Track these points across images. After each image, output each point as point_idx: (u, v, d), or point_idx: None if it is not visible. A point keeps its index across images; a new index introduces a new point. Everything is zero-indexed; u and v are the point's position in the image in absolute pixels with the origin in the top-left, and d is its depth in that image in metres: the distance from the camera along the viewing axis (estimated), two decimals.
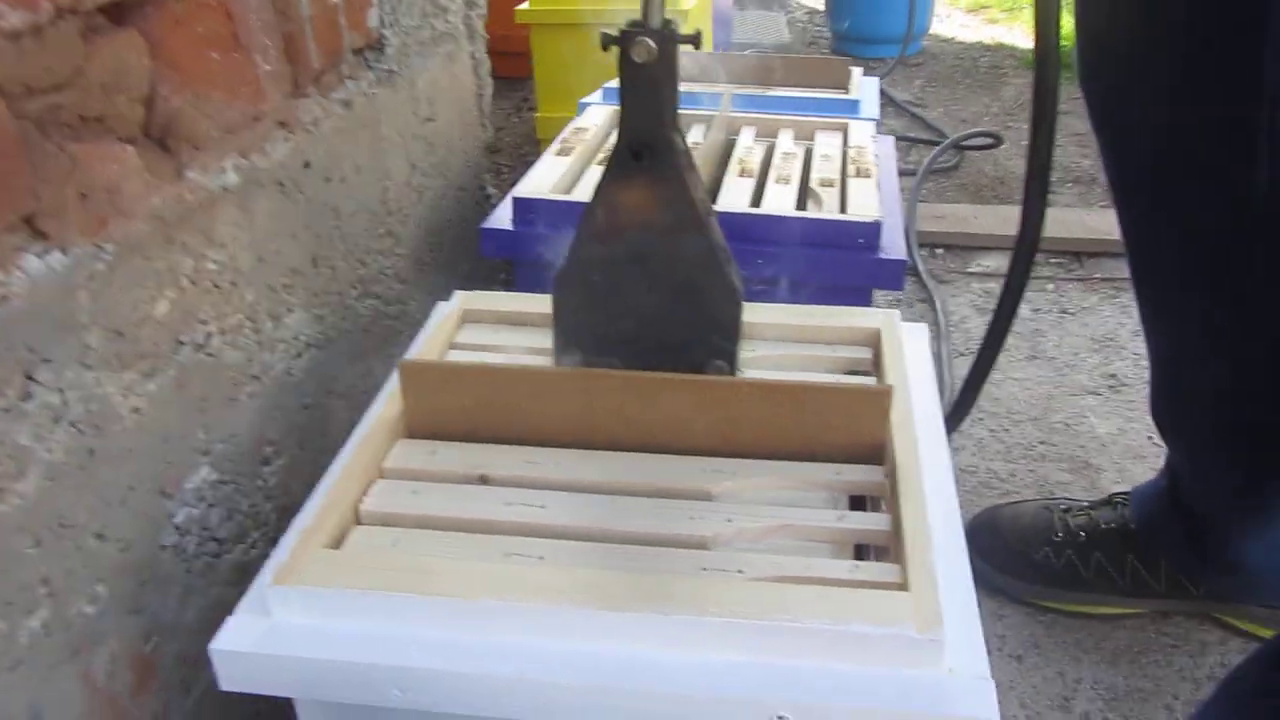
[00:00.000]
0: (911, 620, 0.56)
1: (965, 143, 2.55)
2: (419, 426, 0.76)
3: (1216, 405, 0.96)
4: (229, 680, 0.62)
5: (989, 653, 1.11)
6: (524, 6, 2.17)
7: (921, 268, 1.94)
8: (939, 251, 2.10)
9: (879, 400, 0.69)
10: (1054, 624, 1.15)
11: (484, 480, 0.72)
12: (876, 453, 0.71)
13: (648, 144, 0.66)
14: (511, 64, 2.62)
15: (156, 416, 0.69)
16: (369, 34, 0.96)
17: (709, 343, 0.73)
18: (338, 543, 0.67)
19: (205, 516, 0.76)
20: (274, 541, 0.68)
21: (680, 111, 0.68)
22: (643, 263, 0.71)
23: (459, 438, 0.75)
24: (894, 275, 1.01)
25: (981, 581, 1.19)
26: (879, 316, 0.85)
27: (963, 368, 1.64)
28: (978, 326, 1.79)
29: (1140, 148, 0.91)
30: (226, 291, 0.76)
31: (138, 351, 0.67)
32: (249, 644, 0.61)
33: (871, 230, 1.01)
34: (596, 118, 1.32)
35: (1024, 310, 1.84)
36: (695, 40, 0.65)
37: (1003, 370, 1.64)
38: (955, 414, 1.31)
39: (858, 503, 0.71)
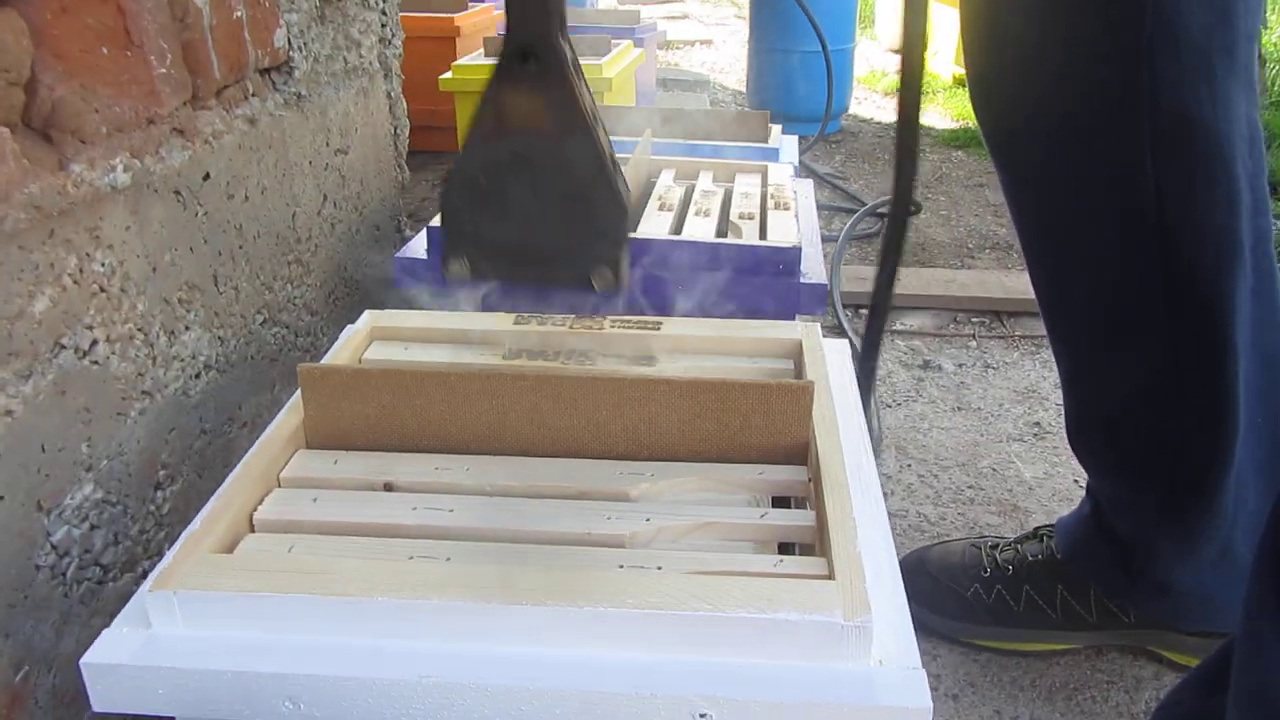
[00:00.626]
0: (839, 607, 0.53)
1: (884, 209, 2.59)
2: (321, 436, 0.72)
3: (1131, 427, 0.96)
4: (103, 699, 0.56)
5: None
6: (447, 76, 2.17)
7: (847, 326, 1.94)
8: (863, 312, 2.12)
9: (801, 396, 0.67)
10: (989, 662, 1.12)
11: (389, 488, 0.68)
12: (800, 452, 0.69)
13: (534, 49, 0.65)
14: (436, 138, 2.63)
15: (32, 423, 0.64)
16: (275, 54, 0.94)
17: (595, 250, 0.70)
18: (229, 549, 0.62)
19: (88, 538, 0.71)
20: None
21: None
22: (529, 167, 0.69)
23: (364, 446, 0.71)
24: (816, 299, 1.00)
25: (914, 623, 1.17)
26: (799, 328, 0.84)
27: (890, 418, 1.63)
28: (904, 380, 1.79)
29: (1029, 173, 0.92)
30: (115, 297, 0.72)
31: (11, 349, 0.62)
32: (125, 657, 0.56)
33: (792, 255, 1.00)
34: None
35: (948, 365, 1.86)
36: None
37: (929, 420, 1.64)
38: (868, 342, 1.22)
39: (781, 504, 0.68)
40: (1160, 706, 0.86)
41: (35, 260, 0.63)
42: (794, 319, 1.03)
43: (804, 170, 2.85)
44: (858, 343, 1.91)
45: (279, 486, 0.68)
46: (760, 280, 1.01)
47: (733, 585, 0.55)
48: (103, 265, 0.70)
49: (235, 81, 0.87)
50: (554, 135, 0.67)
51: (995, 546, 1.16)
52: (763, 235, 1.07)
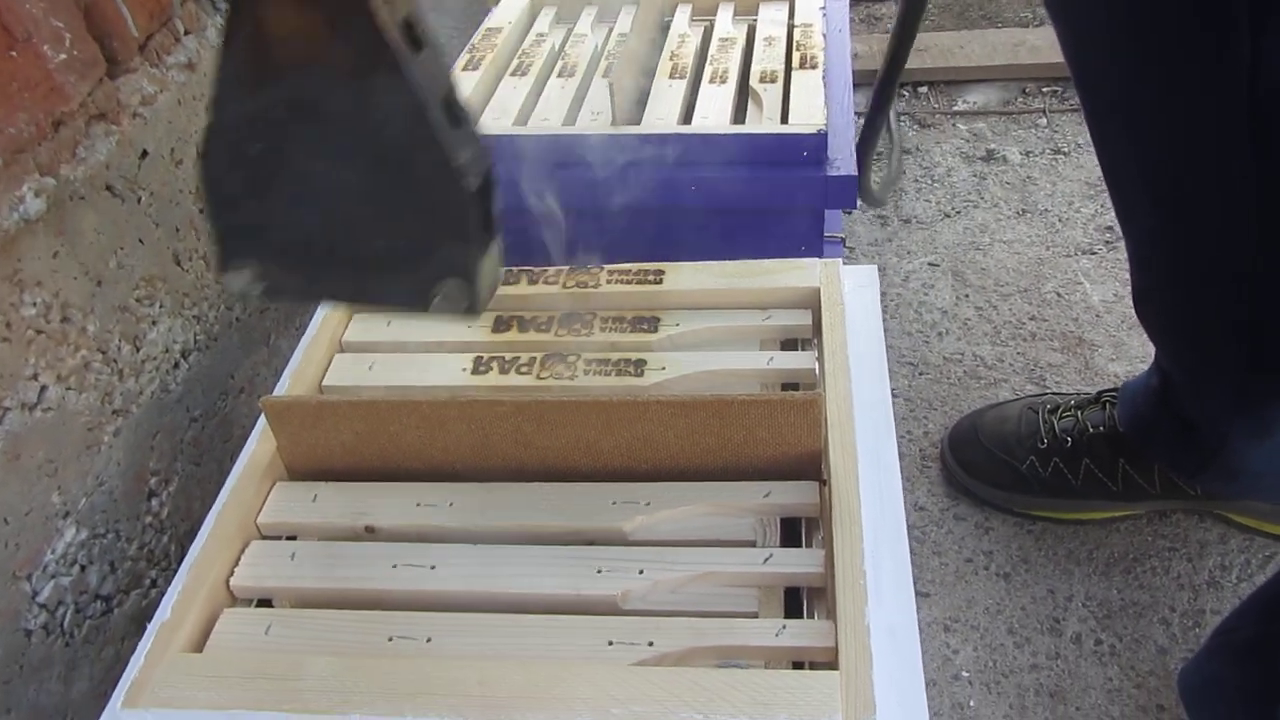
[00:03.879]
0: (839, 712, 0.49)
1: None
2: (298, 464, 0.67)
3: (1205, 307, 0.86)
4: None
5: (975, 571, 1.06)
6: None
7: (892, 122, 1.77)
8: (922, 89, 1.94)
9: (809, 411, 0.60)
10: (1044, 534, 1.08)
11: (369, 531, 0.64)
12: (812, 462, 0.62)
13: None
14: None
15: None
16: None
17: (435, 255, 0.49)
18: (205, 632, 0.59)
19: (81, 580, 0.69)
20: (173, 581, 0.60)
21: None
22: (317, 121, 0.47)
23: (341, 473, 0.67)
24: (844, 194, 0.89)
25: (966, 494, 1.13)
26: (818, 270, 0.74)
27: (948, 231, 1.52)
28: (965, 179, 1.66)
29: (1097, 33, 0.78)
30: (56, 333, 0.66)
31: None
32: None
33: (816, 143, 0.89)
34: (510, 14, 1.16)
35: (1013, 154, 1.71)
36: None
37: (990, 232, 1.52)
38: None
39: (791, 524, 0.63)
40: (1217, 631, 0.82)
41: None
42: (822, 215, 0.93)
43: None
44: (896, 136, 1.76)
45: (258, 535, 0.64)
46: (781, 172, 0.90)
47: (725, 684, 0.50)
48: (34, 307, 0.64)
49: (160, 27, 0.77)
50: (345, 72, 0.45)
51: (1054, 410, 1.09)
52: (784, 111, 0.95)
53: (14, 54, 0.63)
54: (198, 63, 0.81)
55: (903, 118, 1.86)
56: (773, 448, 0.62)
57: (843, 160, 0.90)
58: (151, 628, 0.58)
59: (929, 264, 1.46)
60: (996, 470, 1.08)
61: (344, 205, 0.49)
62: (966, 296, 1.40)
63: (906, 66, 1.99)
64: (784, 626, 0.54)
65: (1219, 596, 1.01)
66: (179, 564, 0.75)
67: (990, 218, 1.56)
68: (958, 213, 1.58)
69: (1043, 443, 1.07)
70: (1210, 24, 0.68)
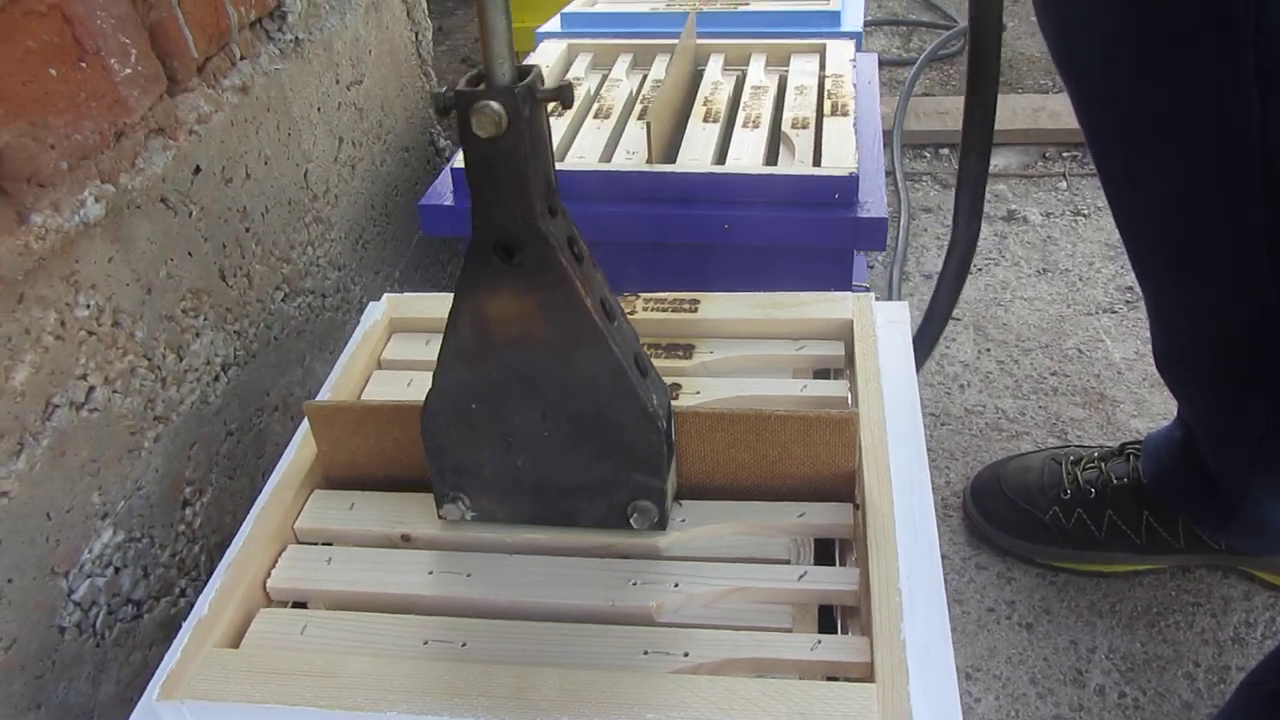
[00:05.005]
0: None
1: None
2: (337, 471, 0.68)
3: (1225, 365, 0.86)
4: None
5: (997, 620, 1.06)
6: None
7: (903, 191, 1.79)
8: (943, 151, 1.97)
9: (844, 429, 0.60)
10: (1067, 585, 1.07)
11: (405, 539, 0.64)
12: (845, 483, 0.63)
13: (515, 240, 0.51)
14: None
15: (32, 496, 0.62)
16: (262, 2, 0.84)
17: (629, 482, 0.59)
18: (241, 630, 0.59)
19: (114, 582, 0.70)
20: (208, 584, 0.61)
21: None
22: (532, 385, 0.57)
23: (381, 482, 0.67)
24: (874, 235, 0.90)
25: (989, 544, 1.13)
26: (850, 303, 0.76)
27: (970, 288, 1.53)
28: (986, 237, 1.67)
29: (1106, 94, 0.79)
30: (107, 336, 0.67)
31: None
32: None
33: (848, 185, 0.90)
34: (547, 57, 1.20)
35: (1034, 215, 1.73)
36: (563, 97, 0.49)
37: (1011, 289, 1.54)
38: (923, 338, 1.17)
39: (824, 543, 0.63)
40: (1243, 684, 0.81)
41: (6, 333, 0.59)
42: (851, 254, 0.95)
43: None
44: (904, 197, 1.78)
45: (294, 540, 0.65)
46: (813, 213, 0.91)
47: (762, 693, 0.51)
48: (87, 309, 0.65)
49: (219, 50, 0.79)
50: (557, 345, 0.54)
51: (1077, 462, 1.09)
52: (816, 154, 0.97)
53: (83, 65, 0.65)
54: (251, 87, 0.83)
55: (924, 178, 1.89)
56: (807, 466, 0.62)
57: (873, 203, 0.92)
58: (188, 624, 0.58)
59: (950, 318, 1.47)
60: (1019, 520, 1.08)
61: (549, 447, 0.58)
62: (988, 350, 1.41)
63: (927, 129, 2.02)
64: (819, 641, 0.55)
65: (1244, 653, 1.00)
66: (209, 575, 0.76)
67: (1011, 275, 1.58)
68: (979, 270, 1.59)
69: (1066, 493, 1.07)
70: (1218, 86, 0.69)
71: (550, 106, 0.51)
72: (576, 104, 1.10)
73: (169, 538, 0.75)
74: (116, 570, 0.70)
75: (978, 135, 0.94)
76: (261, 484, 0.68)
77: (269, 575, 0.62)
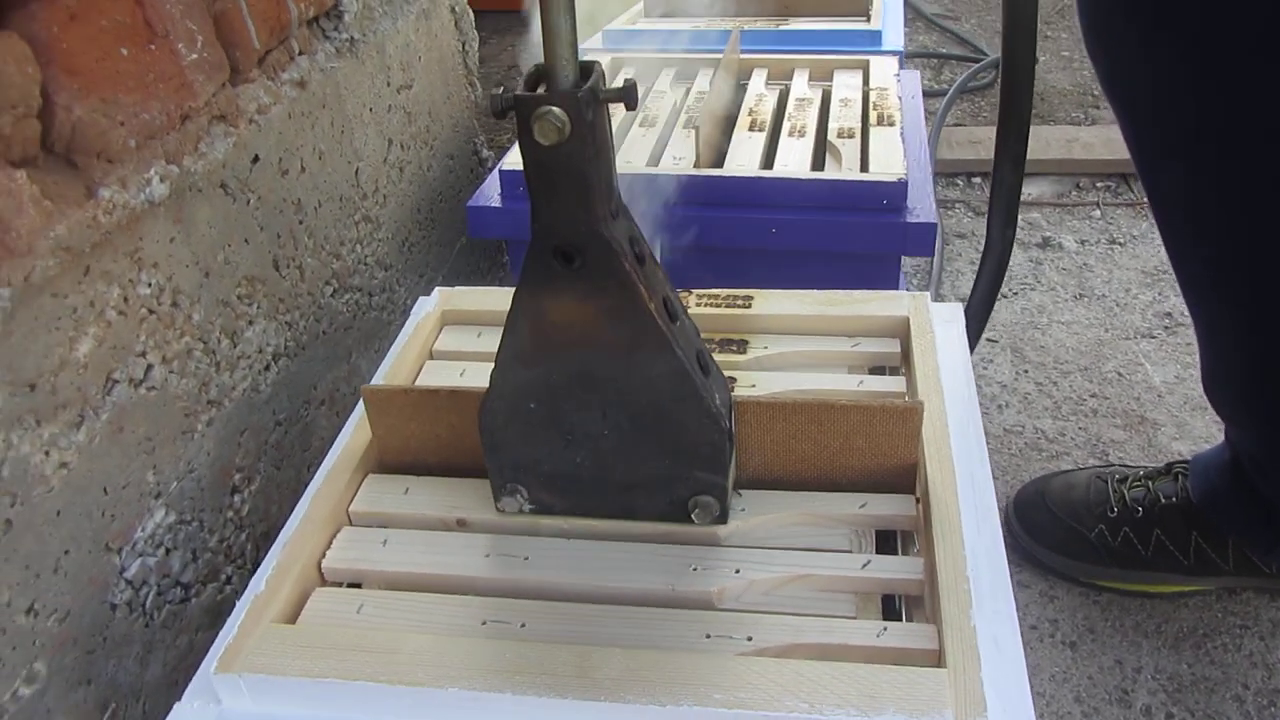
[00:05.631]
0: (950, 707, 0.48)
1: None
2: (391, 456, 0.68)
3: (1270, 375, 0.85)
4: None
5: (1040, 638, 1.04)
6: None
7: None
8: (975, 179, 1.97)
9: (908, 419, 0.60)
10: (1110, 605, 1.06)
11: (461, 524, 0.64)
12: (907, 477, 0.62)
13: (576, 245, 0.50)
14: None
15: (90, 469, 0.62)
16: (322, 1, 0.85)
17: (690, 478, 0.58)
18: (296, 609, 0.59)
19: (165, 563, 0.69)
20: (254, 572, 0.60)
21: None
22: (592, 386, 0.56)
23: (435, 468, 0.67)
24: (923, 240, 0.90)
25: (1031, 561, 1.11)
26: (906, 301, 0.75)
27: (1006, 311, 1.53)
28: (1021, 263, 1.67)
29: (1156, 112, 0.79)
30: (166, 315, 0.68)
31: (57, 402, 0.59)
32: None
33: (897, 191, 0.90)
34: None
35: (1069, 242, 1.73)
36: (628, 98, 0.47)
37: (1048, 313, 1.53)
38: None
39: (886, 533, 0.62)
40: None
41: (72, 304, 0.59)
42: (899, 260, 0.94)
43: (911, 11, 2.64)
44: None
45: (349, 524, 0.65)
46: (861, 218, 0.91)
47: (831, 676, 0.50)
48: (149, 287, 0.66)
49: (279, 44, 0.80)
50: (619, 348, 0.53)
51: (1123, 480, 1.08)
52: (864, 162, 0.97)
53: (152, 47, 0.65)
54: (308, 82, 0.84)
55: (957, 205, 1.89)
56: (868, 458, 0.61)
57: (922, 208, 0.91)
58: (243, 600, 0.58)
59: (987, 339, 1.46)
60: (1064, 536, 1.07)
61: (609, 445, 0.58)
62: (1026, 372, 1.40)
63: (960, 157, 2.03)
64: (885, 628, 0.54)
65: None
66: (254, 564, 0.76)
67: (1048, 300, 1.57)
68: (1015, 294, 1.59)
69: (1112, 511, 1.05)
70: (1274, 103, 0.69)
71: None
72: (621, 114, 1.10)
73: (218, 523, 0.75)
74: (167, 551, 0.69)
75: (1013, 141, 0.94)
76: (308, 476, 0.68)
77: (324, 555, 0.62)
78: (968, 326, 1.12)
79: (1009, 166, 0.97)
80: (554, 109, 0.45)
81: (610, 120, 0.51)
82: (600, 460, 0.59)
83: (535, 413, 0.57)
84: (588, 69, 0.47)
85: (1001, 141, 0.95)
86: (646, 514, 0.61)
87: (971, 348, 1.15)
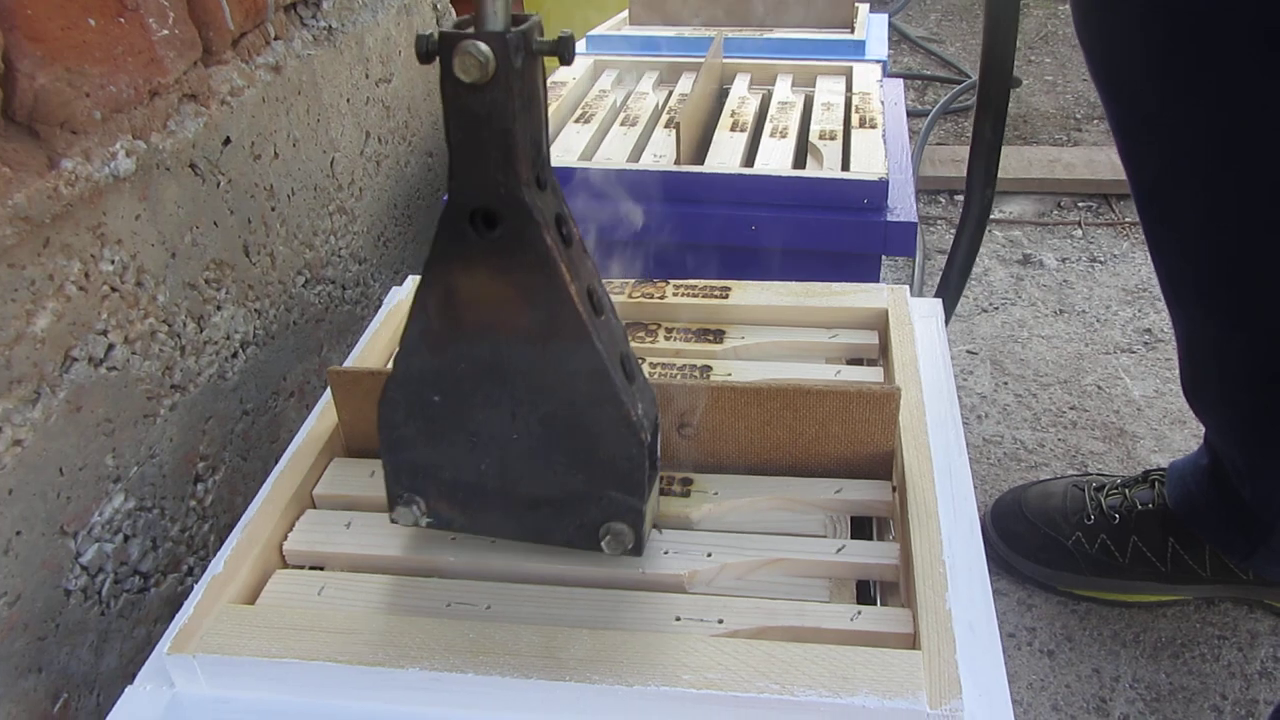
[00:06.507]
0: (924, 689, 0.46)
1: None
2: (357, 440, 0.66)
3: (1258, 395, 0.85)
4: None
5: (1018, 646, 1.03)
6: None
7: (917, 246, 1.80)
8: (958, 197, 1.98)
9: (885, 405, 0.59)
10: (1088, 614, 1.05)
11: None
12: (884, 464, 0.61)
13: (493, 209, 0.45)
14: None
15: (46, 448, 0.60)
16: None
17: (603, 499, 0.53)
18: (256, 591, 0.57)
19: (123, 550, 0.67)
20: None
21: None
22: (502, 379, 0.50)
23: None
24: (904, 240, 0.89)
25: (1008, 570, 1.10)
26: (885, 294, 0.74)
27: (986, 325, 1.53)
28: (1002, 279, 1.67)
29: (1146, 110, 0.79)
30: (130, 294, 0.66)
31: (12, 376, 0.57)
32: (148, 718, 0.52)
33: (877, 190, 0.90)
34: (573, 71, 1.20)
35: (1050, 260, 1.73)
36: (563, 50, 0.43)
37: (1029, 328, 1.53)
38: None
39: (861, 522, 0.61)
40: (1274, 715, 0.78)
41: (30, 276, 0.58)
42: (880, 260, 0.94)
43: (895, 34, 2.66)
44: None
45: (312, 506, 0.63)
46: (842, 217, 0.91)
47: (802, 657, 0.48)
48: (112, 263, 0.64)
49: (254, 27, 0.79)
50: (533, 334, 0.48)
51: (1100, 489, 1.07)
52: (845, 162, 0.97)
53: (121, 20, 0.64)
54: (283, 67, 0.83)
55: (939, 222, 1.89)
56: (845, 445, 0.60)
57: (902, 208, 0.91)
58: (201, 582, 0.56)
59: (967, 351, 1.46)
60: (1041, 544, 1.06)
61: (518, 452, 0.52)
62: (1005, 384, 1.40)
63: (942, 174, 2.03)
64: (859, 612, 0.52)
65: (1272, 687, 0.97)
66: (216, 554, 0.74)
67: (1028, 315, 1.57)
68: (995, 308, 1.59)
69: (1089, 519, 1.05)
70: (1264, 104, 0.69)
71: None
72: (603, 112, 1.10)
73: (179, 512, 0.73)
74: (126, 538, 0.67)
75: (994, 93, 0.93)
76: (275, 467, 0.66)
77: (285, 538, 0.60)
78: (948, 281, 1.11)
79: (990, 123, 0.96)
80: (477, 43, 0.41)
81: (546, 80, 0.47)
82: (506, 470, 0.53)
83: (439, 407, 0.52)
84: (523, 19, 0.43)
85: (983, 96, 0.95)
86: (555, 538, 0.55)
87: (953, 307, 1.14)
